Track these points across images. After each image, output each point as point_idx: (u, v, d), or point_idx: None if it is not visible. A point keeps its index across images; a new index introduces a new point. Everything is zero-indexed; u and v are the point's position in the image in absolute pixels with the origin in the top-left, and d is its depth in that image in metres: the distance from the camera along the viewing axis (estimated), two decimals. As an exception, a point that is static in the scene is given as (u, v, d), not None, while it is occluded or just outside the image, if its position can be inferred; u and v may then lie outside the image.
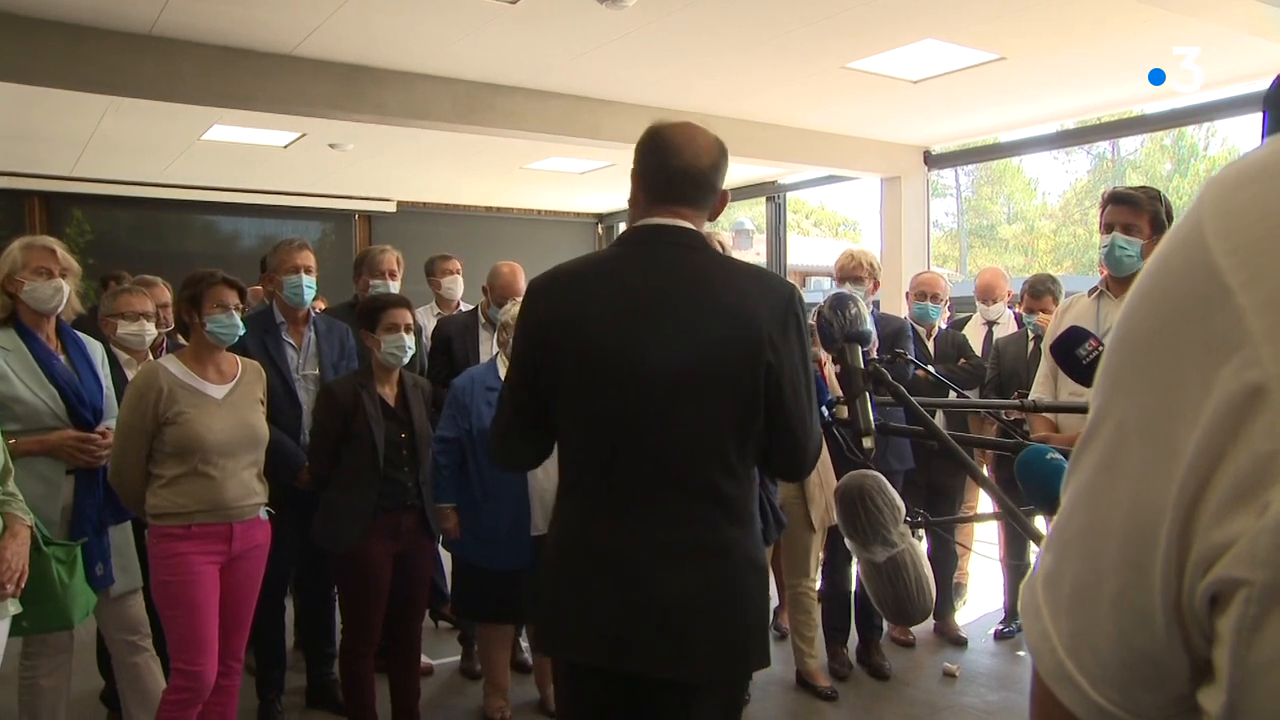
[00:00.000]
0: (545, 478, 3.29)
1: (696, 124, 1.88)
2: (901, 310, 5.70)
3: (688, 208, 1.83)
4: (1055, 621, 0.57)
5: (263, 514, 2.99)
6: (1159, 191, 2.98)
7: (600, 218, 11.17)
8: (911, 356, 2.56)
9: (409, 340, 3.27)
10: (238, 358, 3.05)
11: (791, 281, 1.85)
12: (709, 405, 1.69)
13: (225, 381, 2.94)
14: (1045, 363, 3.31)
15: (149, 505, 2.81)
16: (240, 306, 2.97)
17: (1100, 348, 1.60)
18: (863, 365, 1.65)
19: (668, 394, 1.70)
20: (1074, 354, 1.61)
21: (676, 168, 1.82)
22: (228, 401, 2.90)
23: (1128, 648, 0.53)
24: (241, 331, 2.98)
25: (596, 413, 1.76)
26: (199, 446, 2.79)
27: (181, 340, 3.77)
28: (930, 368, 2.56)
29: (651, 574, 1.70)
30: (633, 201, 1.88)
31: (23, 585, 2.45)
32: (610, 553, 1.73)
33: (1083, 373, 1.61)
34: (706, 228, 1.92)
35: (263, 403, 3.03)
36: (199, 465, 2.80)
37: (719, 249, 1.85)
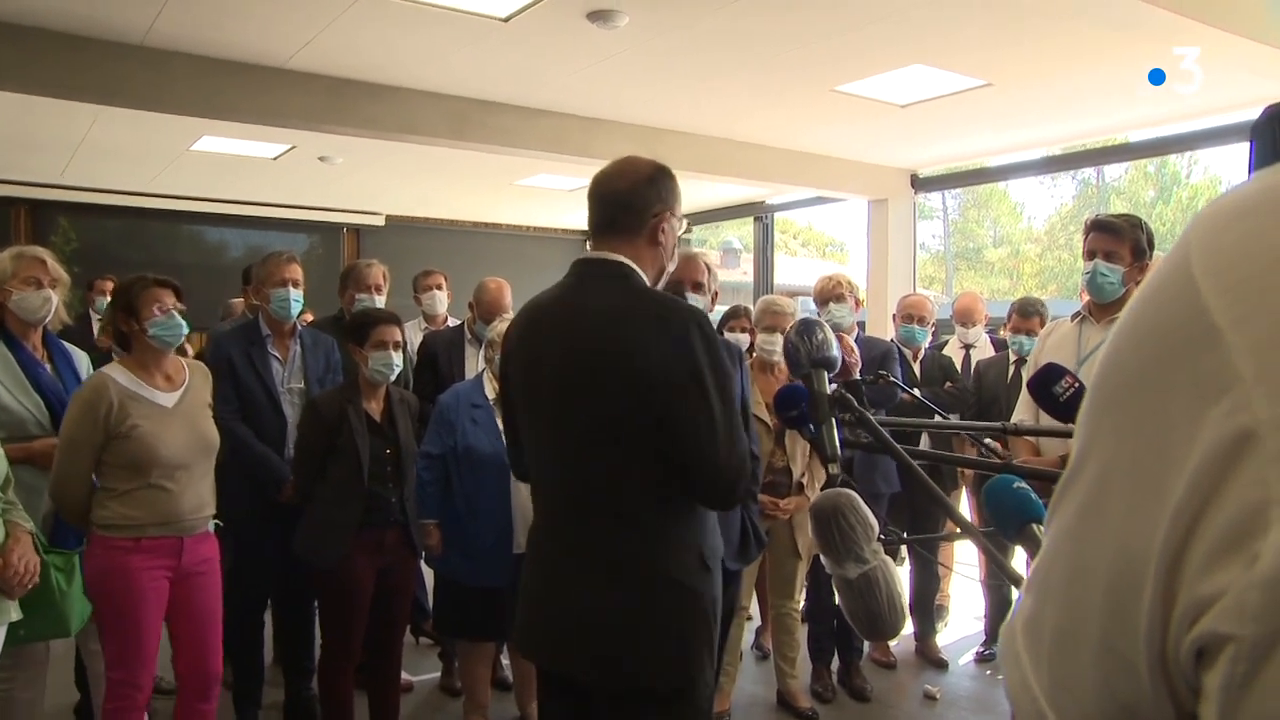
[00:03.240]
0: (529, 496, 3.29)
1: (639, 155, 1.98)
2: (888, 333, 5.74)
3: (615, 237, 1.93)
4: (1036, 670, 0.55)
5: (210, 527, 2.93)
6: (1140, 219, 3.02)
7: (588, 235, 11.19)
8: (898, 379, 2.59)
9: (397, 358, 3.28)
10: (182, 360, 2.99)
11: (696, 309, 1.90)
12: (611, 436, 1.82)
13: (174, 388, 2.87)
14: (1027, 386, 3.34)
15: (96, 516, 2.72)
16: (179, 306, 2.89)
17: (1076, 384, 1.63)
18: (829, 390, 1.68)
19: (578, 426, 1.86)
20: (1050, 391, 1.63)
21: (598, 197, 1.95)
22: (180, 410, 2.83)
23: (1111, 699, 0.51)
24: (185, 330, 2.91)
25: (532, 439, 1.98)
26: (154, 460, 2.72)
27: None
28: (916, 391, 2.59)
29: (575, 587, 1.87)
30: None
31: (31, 588, 2.41)
32: (545, 563, 1.94)
33: (1060, 409, 1.63)
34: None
35: (211, 406, 2.98)
36: (154, 478, 2.72)
37: (636, 275, 1.92)
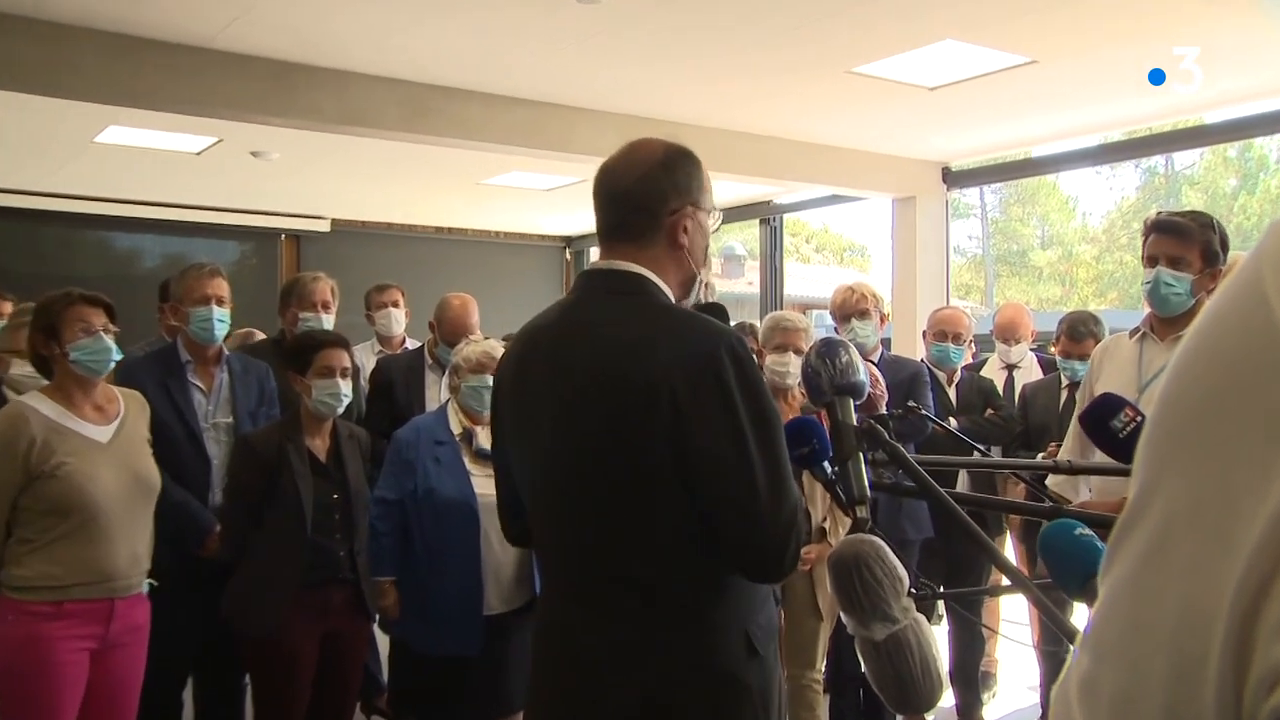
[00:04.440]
0: (501, 550, 3.28)
1: (653, 138, 1.90)
2: (917, 352, 5.77)
3: (626, 242, 1.85)
4: None
5: (144, 587, 2.92)
6: (1210, 217, 3.02)
7: (568, 241, 11.25)
8: (929, 407, 2.61)
9: (345, 387, 3.29)
10: (115, 389, 2.98)
11: (725, 329, 1.78)
12: (621, 490, 1.75)
13: (108, 420, 2.87)
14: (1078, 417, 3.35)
15: (7, 576, 2.69)
16: (110, 328, 2.89)
17: (1138, 418, 1.62)
18: (855, 421, 1.68)
19: (582, 477, 1.79)
20: (1107, 426, 1.62)
21: (604, 193, 1.88)
22: (115, 446, 2.83)
23: None
24: (116, 356, 2.92)
25: (530, 492, 1.93)
26: (84, 503, 2.71)
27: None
28: (951, 421, 2.61)
29: (577, 680, 1.81)
30: None
31: None
32: (543, 650, 1.90)
33: (1119, 447, 1.62)
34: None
35: (149, 441, 2.98)
36: (83, 526, 2.71)
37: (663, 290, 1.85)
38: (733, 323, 4.61)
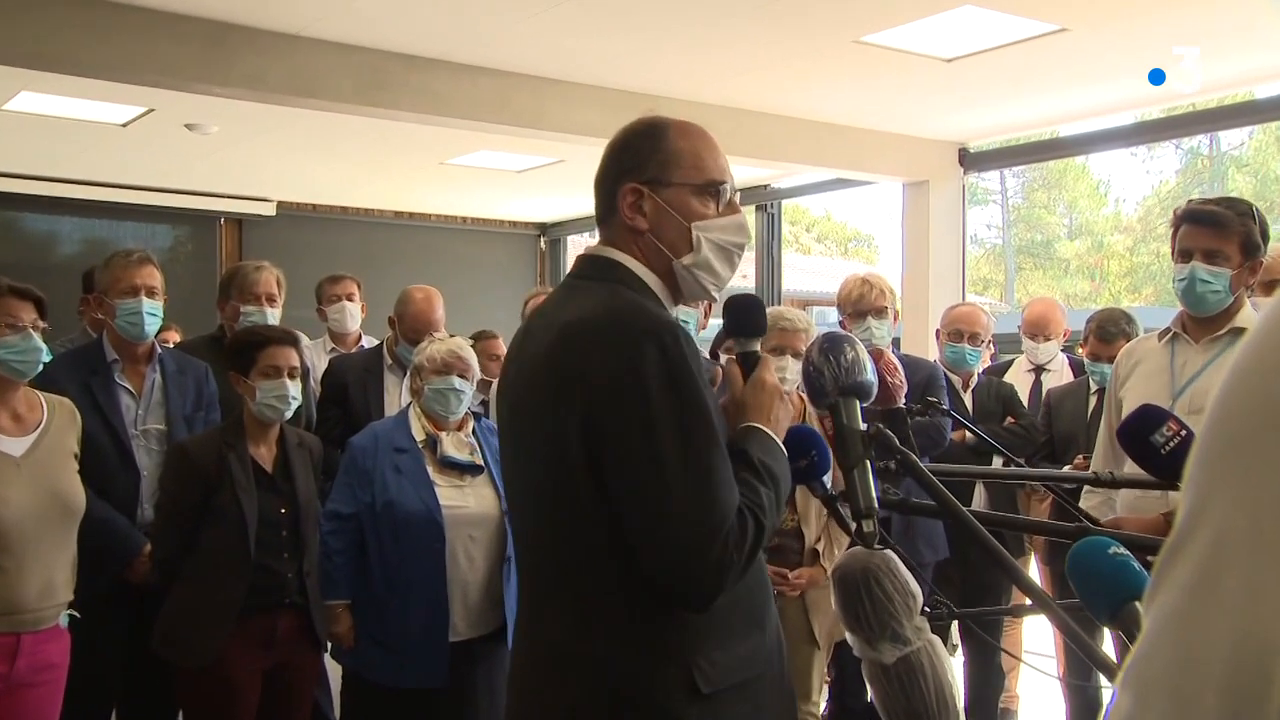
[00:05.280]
0: (468, 569, 3.30)
1: (647, 116, 1.96)
2: (929, 352, 5.79)
3: (603, 227, 1.96)
4: None
5: (63, 620, 2.91)
6: (1249, 205, 3.02)
7: (544, 228, 11.25)
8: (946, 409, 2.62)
9: (294, 389, 3.29)
10: (40, 395, 2.98)
11: (659, 317, 1.79)
12: (552, 493, 1.81)
13: (26, 431, 2.86)
14: (1105, 427, 3.35)
15: None
16: (39, 324, 2.89)
17: (1183, 432, 1.63)
18: (863, 426, 1.70)
19: (521, 477, 1.90)
20: (1148, 441, 1.63)
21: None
22: (31, 460, 2.82)
23: None
24: (45, 357, 2.92)
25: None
26: None
27: None
28: (973, 427, 2.62)
29: (522, 684, 1.88)
30: None
31: None
32: (515, 651, 1.98)
33: (1162, 465, 1.63)
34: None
35: (77, 456, 2.97)
36: None
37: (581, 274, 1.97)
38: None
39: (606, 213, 1.91)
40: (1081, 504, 3.12)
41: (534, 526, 1.89)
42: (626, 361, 1.69)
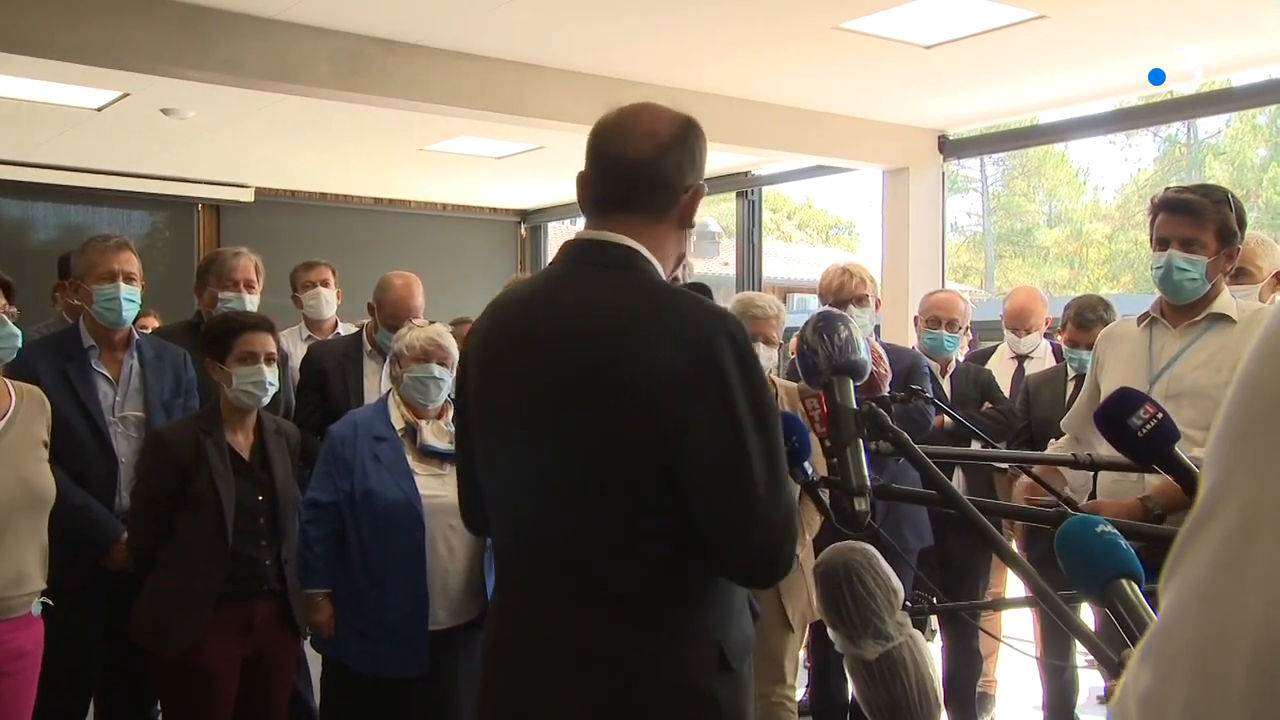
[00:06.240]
0: (448, 557, 3.29)
1: (657, 104, 1.93)
2: (908, 340, 5.81)
3: (628, 215, 1.87)
4: None
5: (36, 608, 2.90)
6: (1225, 191, 3.04)
7: (524, 215, 11.23)
8: (930, 396, 2.63)
9: (271, 375, 3.28)
10: (8, 383, 2.96)
11: (725, 312, 1.84)
12: (601, 483, 1.79)
13: None
14: (1079, 404, 3.37)
15: None
16: (9, 309, 2.87)
17: (1159, 415, 1.63)
18: (855, 405, 1.70)
19: (557, 468, 1.83)
20: (1125, 424, 1.63)
21: (607, 162, 1.90)
22: None
23: None
24: (18, 342, 2.90)
25: (493, 483, 1.97)
26: None
27: None
28: (955, 413, 2.63)
29: (534, 681, 1.84)
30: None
31: None
32: (499, 648, 1.94)
33: (1140, 448, 1.63)
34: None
35: (46, 444, 2.95)
36: None
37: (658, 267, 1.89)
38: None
39: (662, 205, 1.88)
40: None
41: (549, 521, 1.85)
42: (704, 352, 1.71)
